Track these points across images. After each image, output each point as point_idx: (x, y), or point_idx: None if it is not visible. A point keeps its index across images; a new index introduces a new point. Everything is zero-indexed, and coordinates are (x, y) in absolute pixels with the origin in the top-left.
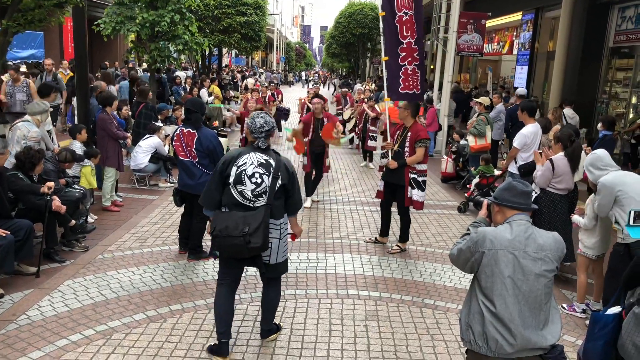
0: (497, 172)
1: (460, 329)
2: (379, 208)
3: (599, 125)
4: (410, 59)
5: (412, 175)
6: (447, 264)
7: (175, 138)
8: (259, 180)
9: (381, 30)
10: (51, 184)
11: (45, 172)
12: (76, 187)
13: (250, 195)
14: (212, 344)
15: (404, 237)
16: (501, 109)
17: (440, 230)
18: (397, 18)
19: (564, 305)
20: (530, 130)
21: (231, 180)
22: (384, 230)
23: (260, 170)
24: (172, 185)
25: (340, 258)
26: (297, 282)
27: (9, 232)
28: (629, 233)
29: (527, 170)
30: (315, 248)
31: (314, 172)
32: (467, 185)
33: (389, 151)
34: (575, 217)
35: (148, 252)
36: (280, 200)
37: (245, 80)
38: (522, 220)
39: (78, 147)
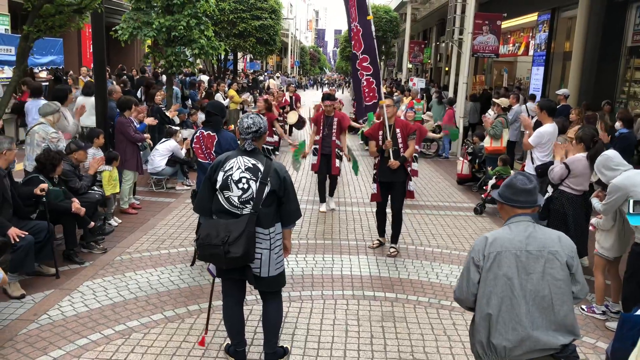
0: (513, 173)
1: (470, 343)
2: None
3: (617, 123)
4: (362, 70)
5: (408, 169)
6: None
7: (195, 140)
8: (245, 186)
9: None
10: (44, 185)
11: (63, 173)
12: (95, 189)
13: (237, 201)
14: (228, 343)
15: (396, 238)
16: (518, 110)
17: (457, 232)
18: (352, 32)
19: (583, 307)
20: (548, 130)
21: (218, 185)
22: (383, 230)
23: (247, 175)
24: (189, 187)
25: (356, 259)
26: (313, 284)
27: (28, 233)
28: (629, 220)
29: (544, 170)
30: (330, 249)
31: (327, 177)
32: (484, 187)
33: (390, 151)
34: (592, 220)
35: (165, 253)
36: (270, 208)
37: (267, 81)
38: (521, 221)
39: (92, 153)
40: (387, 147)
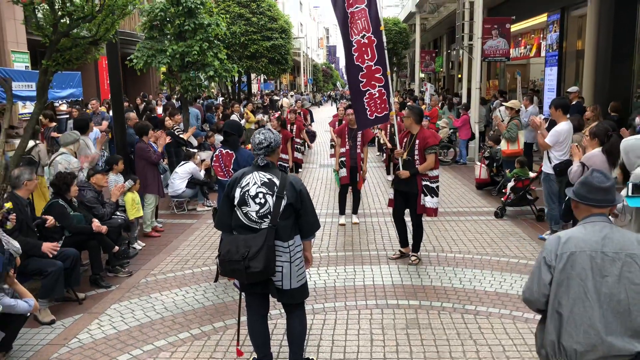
0: (532, 175)
1: (535, 345)
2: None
3: (637, 119)
4: (373, 81)
5: (424, 183)
6: (487, 270)
7: (214, 159)
8: (262, 201)
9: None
10: (51, 221)
11: (87, 200)
12: (118, 214)
13: (255, 216)
14: (255, 357)
15: (417, 247)
16: (533, 111)
17: (478, 237)
18: (355, 45)
19: None
20: (564, 128)
21: (236, 202)
22: (404, 240)
23: (263, 189)
24: (210, 208)
25: (378, 269)
26: (336, 295)
27: (59, 246)
28: (628, 202)
29: (562, 169)
30: (352, 261)
31: (349, 190)
32: (503, 190)
33: (400, 159)
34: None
35: (189, 273)
36: (288, 221)
37: (281, 100)
38: (596, 222)
39: (113, 180)
40: (396, 155)
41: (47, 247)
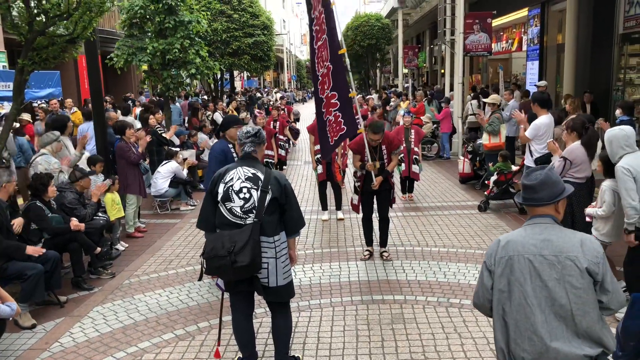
0: (514, 168)
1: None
2: (396, 214)
3: (618, 111)
4: (330, 108)
5: (393, 179)
6: (471, 263)
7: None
8: (247, 196)
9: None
10: (19, 221)
11: (69, 202)
12: (100, 214)
13: (240, 212)
14: (240, 357)
15: (386, 241)
16: (514, 105)
17: (462, 230)
18: (320, 78)
19: None
20: (544, 121)
21: (219, 197)
22: (370, 239)
23: (247, 184)
24: (194, 207)
25: (363, 265)
26: (322, 292)
27: (43, 250)
28: None
29: (543, 163)
30: (337, 257)
31: (332, 187)
32: (486, 182)
33: (372, 172)
34: (588, 210)
35: (173, 274)
36: (273, 216)
37: (275, 96)
38: (537, 223)
39: (93, 180)
40: (369, 168)
41: (31, 250)
